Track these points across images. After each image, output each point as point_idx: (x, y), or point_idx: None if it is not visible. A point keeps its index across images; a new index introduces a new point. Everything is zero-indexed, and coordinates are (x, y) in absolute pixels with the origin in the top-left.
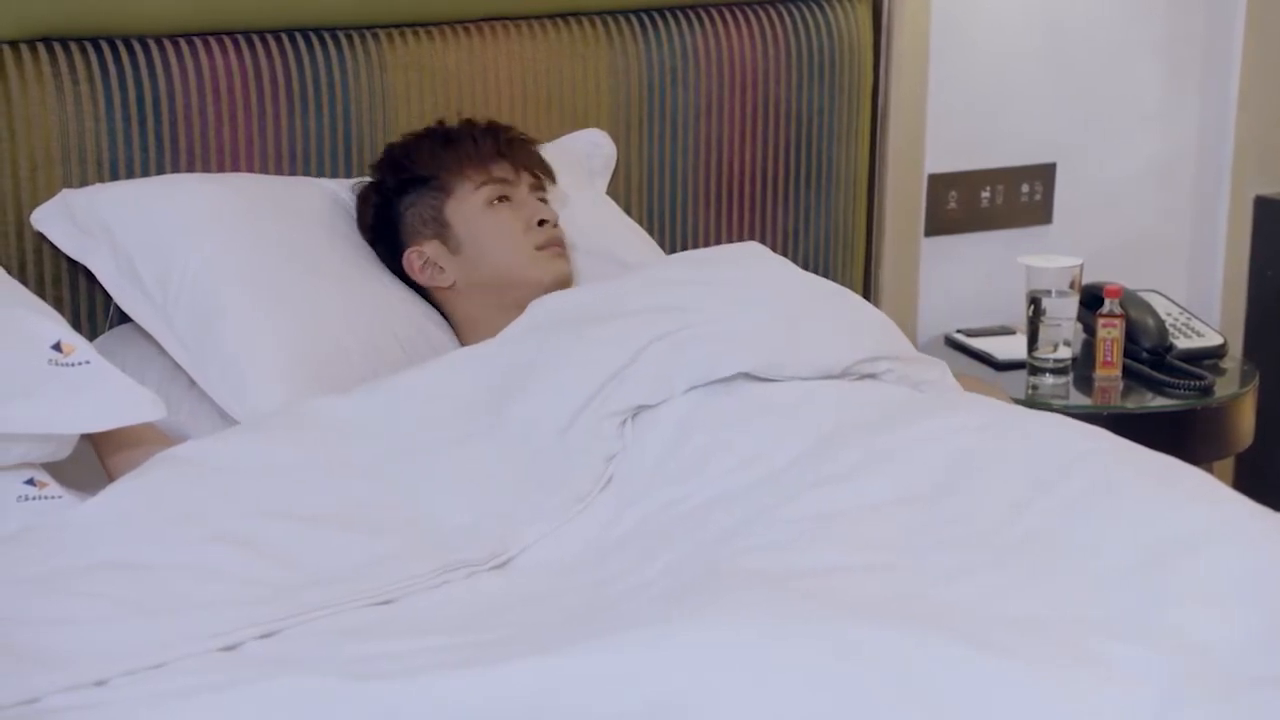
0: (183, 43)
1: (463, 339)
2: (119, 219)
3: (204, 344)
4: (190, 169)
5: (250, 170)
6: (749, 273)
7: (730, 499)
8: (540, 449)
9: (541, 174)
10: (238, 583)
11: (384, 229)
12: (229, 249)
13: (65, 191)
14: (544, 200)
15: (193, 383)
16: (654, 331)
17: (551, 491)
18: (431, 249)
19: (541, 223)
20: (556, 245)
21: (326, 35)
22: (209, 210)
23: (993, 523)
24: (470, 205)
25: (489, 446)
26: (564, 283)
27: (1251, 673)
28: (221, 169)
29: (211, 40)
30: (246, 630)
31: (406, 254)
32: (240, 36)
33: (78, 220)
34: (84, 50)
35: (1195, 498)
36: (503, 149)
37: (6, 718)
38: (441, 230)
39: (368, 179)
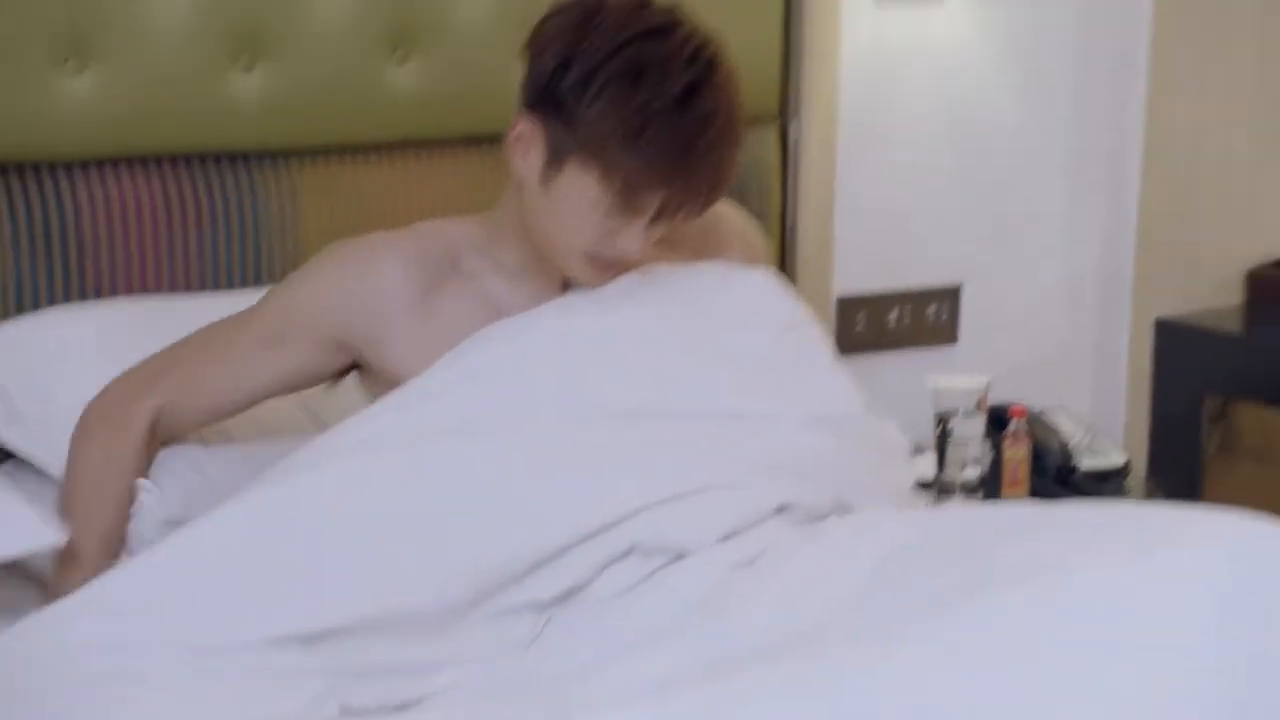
0: (92, 169)
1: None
2: None
3: None
4: (99, 296)
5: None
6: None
7: None
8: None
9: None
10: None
11: (532, 87)
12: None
13: None
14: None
15: None
16: (686, 482)
17: None
18: (537, 143)
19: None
20: (606, 274)
21: (239, 160)
22: (94, 339)
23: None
24: (584, 190)
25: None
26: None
27: None
28: (130, 294)
29: (122, 165)
30: None
31: (518, 119)
32: (151, 162)
33: None
34: None
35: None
36: (692, 211)
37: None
38: (555, 157)
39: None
